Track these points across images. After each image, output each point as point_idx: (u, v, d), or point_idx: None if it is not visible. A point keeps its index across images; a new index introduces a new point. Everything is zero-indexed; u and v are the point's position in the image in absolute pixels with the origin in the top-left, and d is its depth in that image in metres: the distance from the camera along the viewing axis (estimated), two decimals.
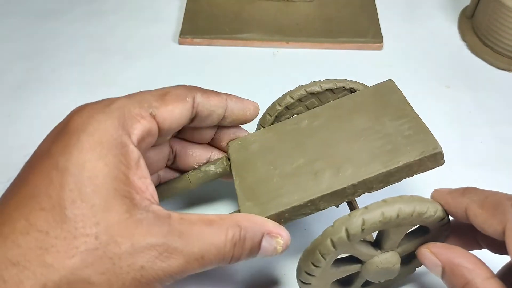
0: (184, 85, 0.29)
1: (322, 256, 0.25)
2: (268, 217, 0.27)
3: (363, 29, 0.49)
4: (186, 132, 0.32)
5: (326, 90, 0.32)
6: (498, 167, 0.39)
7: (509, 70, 0.46)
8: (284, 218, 0.27)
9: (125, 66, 0.47)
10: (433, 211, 0.25)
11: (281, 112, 0.33)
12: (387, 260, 0.27)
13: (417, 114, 0.29)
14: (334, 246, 0.24)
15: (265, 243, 0.26)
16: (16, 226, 0.22)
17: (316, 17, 0.50)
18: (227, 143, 0.33)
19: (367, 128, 0.29)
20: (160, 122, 0.26)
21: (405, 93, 0.35)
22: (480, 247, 0.28)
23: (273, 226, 0.27)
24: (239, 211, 0.29)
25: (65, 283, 0.21)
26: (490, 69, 0.46)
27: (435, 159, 0.27)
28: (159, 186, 0.34)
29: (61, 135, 0.24)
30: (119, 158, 0.24)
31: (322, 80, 0.32)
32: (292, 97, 0.32)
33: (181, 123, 0.28)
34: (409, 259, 0.30)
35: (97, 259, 0.22)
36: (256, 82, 0.45)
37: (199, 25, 0.49)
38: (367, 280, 0.29)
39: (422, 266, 0.31)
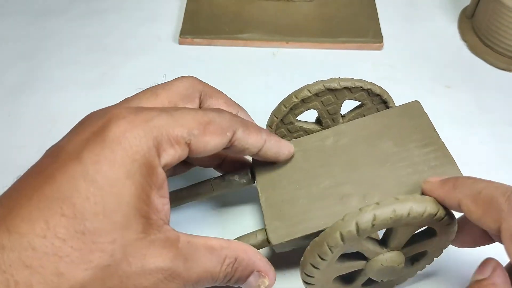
0: (230, 115, 0.28)
1: (329, 248, 0.25)
2: (295, 239, 0.28)
3: (363, 29, 0.49)
4: None
5: (344, 88, 0.32)
6: (498, 167, 0.39)
7: (509, 70, 0.46)
8: (309, 239, 0.28)
9: (125, 66, 0.47)
10: (443, 214, 0.25)
11: (296, 105, 0.32)
12: (392, 259, 0.27)
13: (443, 142, 0.29)
14: (342, 239, 0.24)
15: (251, 279, 0.27)
16: (35, 227, 0.21)
17: (316, 17, 0.50)
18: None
19: (393, 154, 0.29)
20: (193, 150, 0.26)
21: (405, 93, 0.36)
22: (491, 240, 0.27)
23: (263, 265, 0.27)
24: (265, 229, 0.29)
25: None
26: (490, 69, 0.46)
27: None
28: (181, 190, 0.34)
29: (95, 142, 0.23)
30: (146, 179, 0.24)
31: (341, 77, 0.32)
32: (309, 91, 0.32)
33: (210, 153, 0.27)
34: (412, 261, 0.30)
35: (108, 276, 0.22)
36: (256, 82, 0.45)
37: (199, 25, 0.49)
38: (369, 279, 0.29)
39: (423, 270, 0.31)
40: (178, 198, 0.34)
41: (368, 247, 0.26)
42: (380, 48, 0.48)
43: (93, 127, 0.24)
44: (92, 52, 0.49)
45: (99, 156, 0.23)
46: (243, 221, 0.36)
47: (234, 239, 0.30)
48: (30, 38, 0.50)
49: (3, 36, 0.50)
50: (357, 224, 0.24)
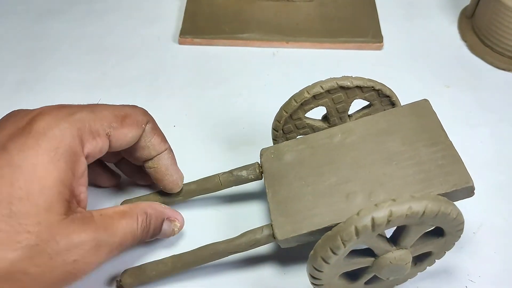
0: (143, 110, 0.32)
1: (343, 243, 0.25)
2: (300, 235, 0.28)
3: (363, 29, 0.49)
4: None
5: (356, 86, 0.32)
6: (498, 167, 0.39)
7: (509, 70, 0.46)
8: (314, 235, 0.28)
9: (125, 66, 0.47)
10: (455, 214, 0.25)
11: (307, 101, 0.32)
12: (401, 257, 0.27)
13: (451, 141, 0.29)
14: (357, 234, 0.24)
15: (165, 226, 0.31)
16: None
17: (316, 17, 0.50)
18: (260, 151, 0.33)
19: (400, 152, 0.29)
20: (113, 142, 0.29)
21: (405, 92, 0.35)
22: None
23: (171, 212, 0.32)
24: (271, 225, 0.29)
25: (4, 273, 0.23)
26: (490, 69, 0.46)
27: (466, 192, 0.28)
28: (190, 184, 0.34)
29: (21, 134, 0.25)
30: (70, 165, 0.26)
31: (353, 76, 0.32)
32: (322, 87, 0.32)
33: (128, 145, 0.30)
34: (416, 262, 0.30)
35: (36, 254, 0.24)
36: (256, 82, 0.45)
37: (199, 25, 0.49)
38: (372, 278, 0.29)
39: (424, 271, 0.31)
40: (186, 193, 0.35)
41: (379, 244, 0.26)
42: (380, 48, 0.48)
43: (19, 123, 0.26)
44: (92, 52, 0.49)
45: (24, 145, 0.25)
46: (250, 216, 0.36)
47: (240, 234, 0.30)
48: (30, 38, 0.50)
49: (3, 36, 0.50)
50: (373, 219, 0.24)
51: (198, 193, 0.35)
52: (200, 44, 0.49)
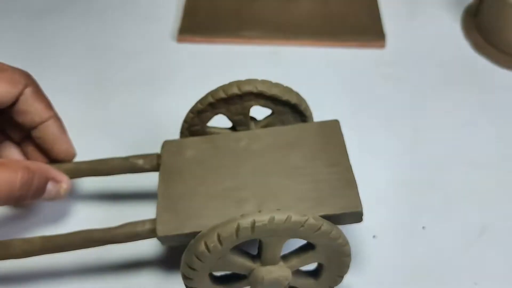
0: (25, 72, 0.30)
1: (206, 246, 0.25)
2: (182, 235, 0.27)
3: (366, 27, 0.48)
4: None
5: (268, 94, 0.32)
6: (501, 167, 0.38)
7: None
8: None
9: (123, 65, 0.47)
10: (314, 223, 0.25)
11: (203, 109, 0.32)
12: (283, 275, 0.27)
13: (350, 165, 0.29)
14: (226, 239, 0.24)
15: (49, 187, 0.30)
16: None
17: (317, 14, 0.50)
18: (163, 142, 0.32)
19: (300, 167, 0.29)
20: None
21: (407, 92, 0.35)
22: None
23: (56, 173, 0.30)
24: (155, 219, 0.28)
25: None
26: (494, 67, 0.46)
27: (354, 217, 0.28)
28: (80, 163, 0.33)
29: None
30: None
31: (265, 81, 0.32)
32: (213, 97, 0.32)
33: (1, 103, 0.29)
34: (317, 274, 0.29)
35: None
36: None
37: (198, 23, 0.49)
38: None
39: None
40: (76, 170, 0.33)
41: (239, 261, 0.27)
42: (382, 47, 0.47)
43: None
44: (90, 50, 0.48)
45: None
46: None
47: (120, 224, 0.29)
48: (28, 37, 0.49)
49: (2, 35, 0.50)
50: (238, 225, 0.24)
51: (88, 173, 0.33)
52: (199, 42, 0.48)
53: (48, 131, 0.31)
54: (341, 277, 0.29)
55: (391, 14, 0.50)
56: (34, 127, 0.31)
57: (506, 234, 0.35)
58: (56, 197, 0.31)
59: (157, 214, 0.28)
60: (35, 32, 0.50)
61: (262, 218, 0.24)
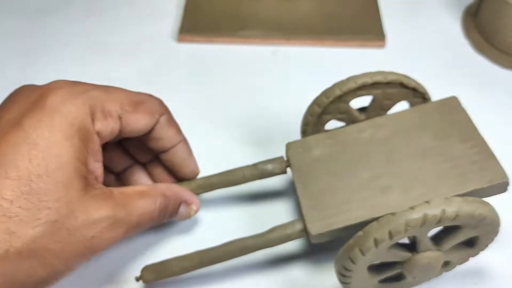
0: (159, 100, 0.31)
1: (390, 236, 0.25)
2: (334, 230, 0.27)
3: (365, 26, 0.48)
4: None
5: (413, 89, 0.32)
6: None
7: None
8: (348, 230, 0.27)
9: (123, 64, 0.47)
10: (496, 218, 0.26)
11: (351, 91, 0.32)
12: (437, 258, 0.27)
13: (483, 138, 0.29)
14: (406, 229, 0.24)
15: (182, 210, 0.32)
16: None
17: (317, 14, 0.50)
18: (286, 145, 0.33)
19: (433, 148, 0.29)
20: (124, 126, 0.29)
21: None
22: None
23: (189, 196, 0.32)
24: (303, 219, 0.29)
25: (26, 250, 0.23)
26: (494, 67, 0.46)
27: (501, 187, 0.27)
28: (211, 177, 0.34)
29: (35, 110, 0.25)
30: (84, 142, 0.26)
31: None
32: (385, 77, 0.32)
33: (140, 132, 0.30)
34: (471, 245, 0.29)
35: (56, 230, 0.24)
36: (256, 80, 0.45)
37: (198, 23, 0.49)
38: (397, 274, 0.29)
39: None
40: (208, 185, 0.34)
41: (425, 241, 0.26)
42: (382, 46, 0.47)
43: (31, 98, 0.26)
44: (90, 50, 0.48)
45: (39, 122, 0.25)
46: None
47: (270, 229, 0.30)
48: (28, 36, 0.50)
49: (1, 35, 0.50)
50: (425, 215, 0.24)
51: (219, 185, 0.34)
52: (200, 42, 0.48)
53: (177, 154, 0.32)
54: (492, 239, 0.29)
55: (391, 14, 0.50)
56: (165, 151, 0.32)
57: (505, 234, 0.35)
58: (185, 218, 0.33)
59: (304, 213, 0.28)
60: (35, 31, 0.50)
61: (433, 212, 0.24)
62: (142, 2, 0.53)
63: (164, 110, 0.31)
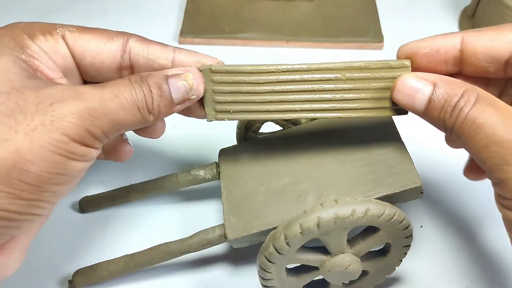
0: (120, 31, 0.27)
1: (286, 242, 0.25)
2: (251, 235, 0.28)
3: (364, 28, 0.49)
4: None
5: None
6: None
7: None
8: (265, 235, 0.28)
9: None
10: (401, 218, 0.26)
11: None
12: (351, 261, 0.27)
13: (403, 142, 0.29)
14: (302, 232, 0.25)
15: (172, 81, 0.25)
16: None
17: (316, 16, 0.50)
18: (219, 151, 0.33)
19: (353, 153, 0.30)
20: (73, 49, 0.25)
21: None
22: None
23: (175, 69, 0.26)
24: (223, 224, 0.29)
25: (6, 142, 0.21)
26: None
27: (414, 192, 0.28)
28: (147, 182, 0.34)
29: None
30: (21, 46, 0.23)
31: None
32: None
33: (107, 62, 0.26)
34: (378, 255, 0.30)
35: (21, 110, 0.21)
36: None
37: (199, 25, 0.49)
38: (322, 281, 0.30)
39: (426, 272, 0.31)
40: (143, 190, 0.34)
41: (309, 258, 0.27)
42: (380, 48, 0.48)
43: None
44: None
45: None
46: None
47: (193, 234, 0.30)
48: None
49: None
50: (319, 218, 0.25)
51: (155, 191, 0.34)
52: (200, 43, 0.49)
53: (184, 62, 0.27)
54: (405, 253, 0.29)
55: (389, 16, 0.51)
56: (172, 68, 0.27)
57: (500, 233, 0.35)
58: (189, 90, 0.26)
59: (225, 218, 0.29)
60: None
61: (326, 214, 0.25)
62: (143, 4, 0.53)
63: (129, 35, 0.27)
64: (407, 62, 0.27)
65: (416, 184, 0.27)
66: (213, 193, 0.37)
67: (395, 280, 0.33)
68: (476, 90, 0.24)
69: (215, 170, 0.33)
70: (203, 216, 0.36)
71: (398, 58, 0.27)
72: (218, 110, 0.28)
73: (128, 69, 0.27)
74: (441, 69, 0.27)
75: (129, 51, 0.26)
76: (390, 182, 0.27)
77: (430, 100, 0.24)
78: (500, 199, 0.24)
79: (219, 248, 0.34)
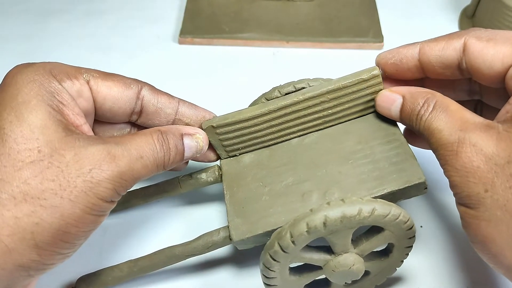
0: (134, 78, 0.30)
1: (292, 240, 0.25)
2: (256, 236, 0.28)
3: (364, 28, 0.49)
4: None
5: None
6: None
7: None
8: (270, 236, 0.28)
9: (125, 66, 0.47)
10: (406, 219, 0.26)
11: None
12: (355, 261, 0.27)
13: (405, 139, 0.29)
14: (308, 231, 0.25)
15: (187, 141, 0.29)
16: None
17: (316, 16, 0.50)
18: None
19: (356, 151, 0.30)
20: (95, 93, 0.28)
21: None
22: None
23: (188, 128, 0.30)
24: (228, 226, 0.29)
25: (19, 193, 0.22)
26: None
27: (418, 188, 0.28)
28: (149, 187, 0.34)
29: None
30: (51, 94, 0.25)
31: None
32: (294, 86, 0.32)
33: (123, 108, 0.29)
34: (382, 255, 0.30)
35: (44, 169, 0.23)
36: (256, 82, 0.45)
37: (199, 25, 0.49)
38: (324, 281, 0.30)
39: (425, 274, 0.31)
40: (145, 195, 0.34)
41: (313, 258, 0.27)
42: (380, 48, 0.48)
43: None
44: (92, 52, 0.49)
45: (1, 86, 0.25)
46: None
47: (197, 237, 0.30)
48: (31, 38, 0.50)
49: (3, 36, 0.50)
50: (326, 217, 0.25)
51: (157, 196, 0.34)
52: (200, 43, 0.49)
53: (186, 114, 0.31)
54: (407, 254, 0.29)
55: (389, 16, 0.51)
56: (171, 120, 0.31)
57: None
58: (199, 151, 0.30)
59: (229, 220, 0.29)
60: (37, 32, 0.50)
61: (333, 213, 0.25)
62: (143, 4, 0.53)
63: (142, 83, 0.30)
64: (376, 71, 0.29)
65: (420, 179, 0.27)
66: (215, 196, 0.37)
67: (395, 280, 0.33)
68: (435, 98, 0.27)
69: (217, 173, 0.33)
70: (206, 219, 0.36)
71: (376, 65, 0.31)
72: (228, 151, 0.32)
73: (137, 114, 0.30)
74: (408, 75, 0.30)
75: (142, 99, 0.29)
76: (394, 179, 0.28)
77: (401, 110, 0.28)
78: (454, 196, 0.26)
79: (222, 251, 0.34)
